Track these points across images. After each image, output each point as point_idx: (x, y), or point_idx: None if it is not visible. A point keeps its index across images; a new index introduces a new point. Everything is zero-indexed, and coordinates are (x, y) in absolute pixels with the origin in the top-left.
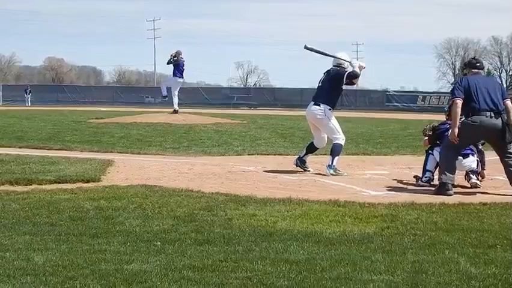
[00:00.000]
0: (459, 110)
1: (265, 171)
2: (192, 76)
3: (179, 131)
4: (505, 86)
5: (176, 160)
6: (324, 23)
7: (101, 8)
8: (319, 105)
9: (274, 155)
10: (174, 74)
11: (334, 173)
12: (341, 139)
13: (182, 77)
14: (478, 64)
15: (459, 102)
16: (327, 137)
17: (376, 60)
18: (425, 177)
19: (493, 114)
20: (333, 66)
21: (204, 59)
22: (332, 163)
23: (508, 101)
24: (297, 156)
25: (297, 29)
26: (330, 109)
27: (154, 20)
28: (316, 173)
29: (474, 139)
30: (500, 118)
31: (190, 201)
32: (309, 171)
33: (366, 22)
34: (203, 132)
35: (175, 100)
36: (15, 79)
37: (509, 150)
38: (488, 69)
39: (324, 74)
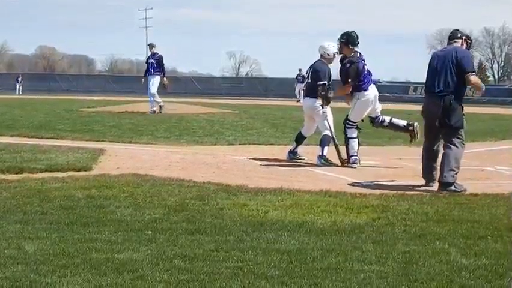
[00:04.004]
0: None
1: (257, 160)
2: (184, 66)
3: (171, 121)
4: (497, 77)
5: (168, 149)
6: (316, 13)
7: None
8: (314, 99)
9: (266, 144)
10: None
11: (325, 163)
12: (328, 131)
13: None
14: (450, 35)
15: None
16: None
17: (367, 50)
18: None
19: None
20: (320, 57)
21: (196, 48)
22: (322, 153)
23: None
24: (288, 150)
25: (289, 19)
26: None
27: (146, 9)
28: (308, 163)
29: None
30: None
31: (181, 191)
32: (303, 159)
33: (358, 12)
34: (195, 121)
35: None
36: (6, 67)
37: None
38: (480, 60)
39: (309, 67)
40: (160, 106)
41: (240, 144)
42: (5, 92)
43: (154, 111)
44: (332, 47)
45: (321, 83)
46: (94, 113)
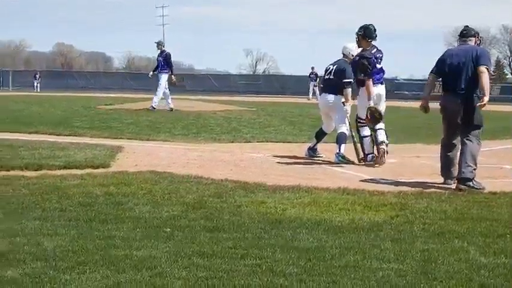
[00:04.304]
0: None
1: (275, 158)
2: (201, 63)
3: (188, 118)
4: None
5: (186, 147)
6: (332, 11)
7: None
8: (333, 95)
9: (284, 142)
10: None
11: (343, 160)
12: (345, 128)
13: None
14: (464, 32)
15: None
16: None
17: (385, 48)
18: None
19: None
20: (342, 56)
21: (213, 46)
22: (339, 150)
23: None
24: (307, 147)
25: (306, 16)
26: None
27: (162, 7)
28: (325, 161)
29: None
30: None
31: (199, 188)
32: (321, 156)
33: (375, 10)
34: (212, 119)
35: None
36: (24, 64)
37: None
38: (497, 57)
39: (332, 64)
40: (155, 104)
41: (257, 142)
42: (23, 89)
43: (171, 109)
44: (356, 48)
45: (348, 80)
46: (112, 110)
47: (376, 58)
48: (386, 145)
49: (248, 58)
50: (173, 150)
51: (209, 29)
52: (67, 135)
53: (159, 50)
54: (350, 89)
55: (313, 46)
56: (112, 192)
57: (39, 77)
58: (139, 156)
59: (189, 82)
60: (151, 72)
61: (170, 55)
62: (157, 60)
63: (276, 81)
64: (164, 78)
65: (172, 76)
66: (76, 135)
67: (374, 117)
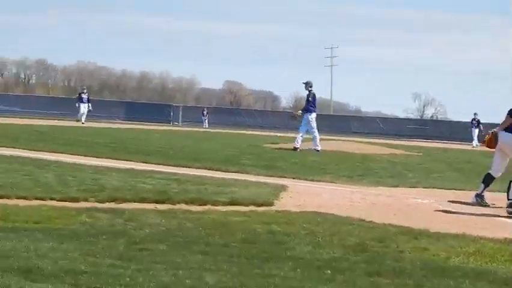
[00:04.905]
0: None
1: (440, 204)
2: (368, 105)
3: (354, 160)
4: None
5: (350, 189)
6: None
7: (279, 32)
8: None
9: (449, 189)
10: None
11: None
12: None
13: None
14: None
15: None
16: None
17: None
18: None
19: None
20: None
21: (380, 88)
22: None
23: None
24: (474, 193)
25: (480, 60)
26: None
27: (331, 48)
28: (493, 209)
29: None
30: None
31: (361, 231)
32: (488, 206)
33: None
34: (377, 162)
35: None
36: (194, 101)
37: None
38: None
39: None
40: (296, 143)
41: (422, 187)
42: (192, 125)
43: (295, 148)
44: None
45: None
46: (278, 149)
47: None
48: None
49: (416, 102)
50: (337, 192)
51: (377, 71)
52: (233, 172)
53: (307, 91)
54: None
55: (482, 91)
56: (274, 231)
57: (207, 113)
58: (302, 196)
59: (356, 124)
60: (299, 112)
61: (313, 95)
62: (307, 101)
63: (444, 127)
64: (313, 117)
65: (299, 112)
66: (242, 173)
67: None
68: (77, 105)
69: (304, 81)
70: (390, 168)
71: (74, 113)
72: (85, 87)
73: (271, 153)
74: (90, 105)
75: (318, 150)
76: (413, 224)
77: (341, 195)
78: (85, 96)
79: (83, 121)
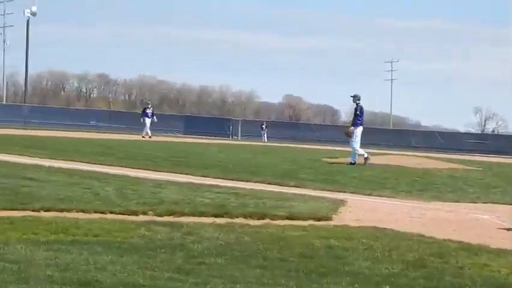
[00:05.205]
0: None
1: (500, 220)
2: (428, 119)
3: (413, 175)
4: None
5: (409, 204)
6: None
7: (339, 46)
8: None
9: (510, 204)
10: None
11: None
12: None
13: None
14: None
15: None
16: None
17: None
18: None
19: None
20: None
21: (441, 102)
22: None
23: None
24: None
25: None
26: None
27: (391, 62)
28: None
29: None
30: None
31: (420, 246)
32: None
33: None
34: (437, 177)
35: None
36: (254, 115)
37: None
38: None
39: None
40: (365, 158)
41: (482, 203)
42: (251, 139)
43: (352, 163)
44: None
45: None
46: (337, 164)
47: None
48: None
49: (477, 116)
50: (396, 207)
51: (438, 85)
52: (291, 186)
53: (355, 104)
54: None
55: None
56: (333, 246)
57: (266, 127)
58: (361, 210)
59: (415, 138)
60: (351, 128)
61: (360, 108)
62: (354, 114)
63: (505, 141)
64: (359, 131)
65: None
66: (301, 187)
67: None
68: (141, 120)
69: (352, 94)
70: (450, 183)
71: (135, 127)
72: (149, 102)
73: (330, 167)
74: (155, 117)
75: (352, 163)
76: (473, 240)
77: (400, 210)
78: (149, 110)
79: (150, 134)
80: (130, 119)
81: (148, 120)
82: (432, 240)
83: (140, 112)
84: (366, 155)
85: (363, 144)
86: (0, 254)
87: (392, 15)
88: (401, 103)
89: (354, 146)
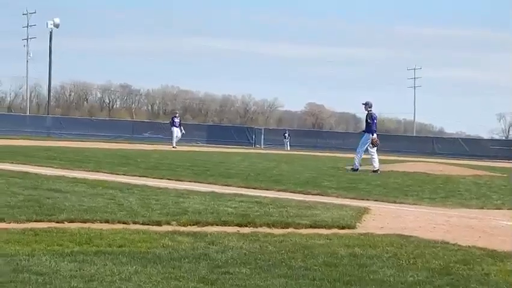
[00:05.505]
0: None
1: None
2: (452, 126)
3: (437, 182)
4: None
5: (433, 211)
6: None
7: (362, 54)
8: None
9: None
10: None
11: None
12: None
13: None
14: None
15: None
16: None
17: None
18: None
19: None
20: None
21: (464, 109)
22: None
23: None
24: None
25: None
26: None
27: (414, 69)
28: None
29: None
30: None
31: (445, 254)
32: None
33: None
34: (461, 183)
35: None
36: (276, 123)
37: None
38: None
39: None
40: (354, 168)
41: (508, 209)
42: (274, 147)
43: (353, 169)
44: None
45: None
46: (359, 172)
47: None
48: None
49: (501, 123)
50: (420, 214)
51: (461, 92)
52: (314, 195)
53: (366, 111)
54: None
55: None
56: (357, 254)
57: (289, 135)
58: (385, 218)
59: (439, 145)
60: (360, 130)
61: (371, 116)
62: (366, 121)
63: None
64: (369, 138)
65: (374, 135)
66: (324, 195)
67: None
68: (172, 129)
69: (364, 102)
70: (475, 190)
71: (159, 137)
72: (176, 111)
73: (353, 175)
74: (182, 128)
75: (355, 170)
76: (498, 247)
77: (424, 217)
78: (177, 120)
79: (174, 145)
80: (153, 129)
81: (176, 130)
82: (457, 247)
83: (168, 122)
84: (358, 167)
85: (386, 152)
86: (25, 265)
87: (412, 23)
88: (424, 111)
89: (358, 149)
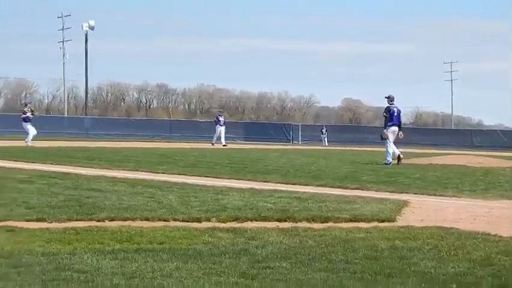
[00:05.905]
0: None
1: None
2: (491, 118)
3: (476, 174)
4: None
5: (473, 203)
6: None
7: (398, 48)
8: None
9: None
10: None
11: None
12: None
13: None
14: None
15: None
16: None
17: None
18: None
19: None
20: None
21: (502, 101)
22: None
23: None
24: None
25: None
26: None
27: (451, 63)
28: None
29: None
30: None
31: (487, 245)
32: None
33: None
34: (501, 175)
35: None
36: (313, 119)
37: None
38: None
39: None
40: (398, 157)
41: None
42: (311, 143)
43: (385, 164)
44: None
45: None
46: (396, 165)
47: None
48: None
49: None
50: (460, 206)
51: (499, 84)
52: (353, 189)
53: (388, 105)
54: None
55: None
56: (398, 246)
57: (326, 131)
58: (425, 211)
59: (477, 138)
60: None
61: (390, 110)
62: (384, 116)
63: None
64: (390, 131)
65: (400, 133)
66: (363, 189)
67: None
68: (215, 128)
69: (387, 96)
70: None
71: (194, 136)
72: (221, 110)
73: (391, 168)
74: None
75: (387, 164)
76: None
77: (464, 209)
78: (221, 118)
79: (213, 142)
80: (190, 128)
81: (218, 128)
82: (498, 238)
83: (213, 121)
84: (398, 154)
85: (425, 145)
86: (67, 263)
87: (449, 15)
88: (462, 104)
89: (386, 144)
